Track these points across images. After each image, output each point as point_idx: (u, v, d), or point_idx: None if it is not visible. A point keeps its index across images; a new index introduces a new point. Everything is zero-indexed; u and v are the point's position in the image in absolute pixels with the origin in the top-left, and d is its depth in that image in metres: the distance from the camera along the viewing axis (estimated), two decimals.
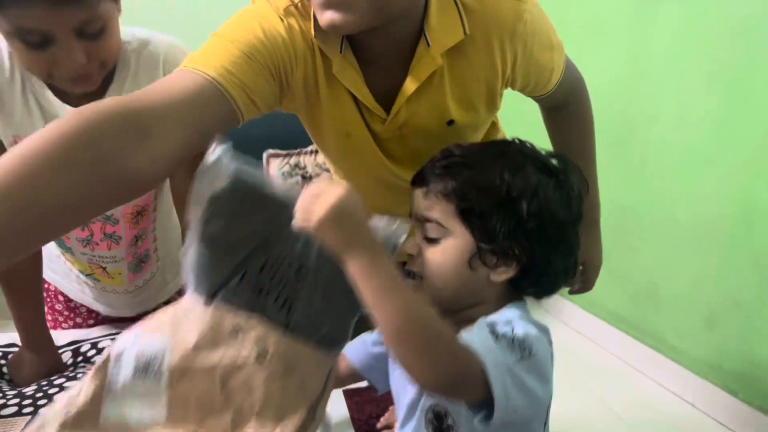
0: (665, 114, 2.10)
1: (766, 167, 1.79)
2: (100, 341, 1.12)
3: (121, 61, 0.94)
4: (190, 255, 0.65)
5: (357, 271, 0.60)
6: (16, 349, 1.09)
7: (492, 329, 0.64)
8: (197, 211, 0.63)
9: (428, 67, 0.80)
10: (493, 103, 0.89)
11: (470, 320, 0.69)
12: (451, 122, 0.87)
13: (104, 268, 1.14)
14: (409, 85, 0.80)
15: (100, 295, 1.20)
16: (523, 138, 0.77)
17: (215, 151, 0.60)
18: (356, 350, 0.87)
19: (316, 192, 0.61)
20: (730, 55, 1.85)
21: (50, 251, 1.16)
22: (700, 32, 1.94)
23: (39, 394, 0.95)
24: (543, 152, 0.76)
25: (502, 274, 0.71)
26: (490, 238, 0.69)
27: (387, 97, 0.82)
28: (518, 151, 0.75)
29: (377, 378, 0.86)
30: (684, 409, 2.06)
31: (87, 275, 1.16)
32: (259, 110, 0.75)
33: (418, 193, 0.74)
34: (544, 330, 0.71)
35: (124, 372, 0.62)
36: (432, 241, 0.72)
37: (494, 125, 1.08)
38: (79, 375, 1.01)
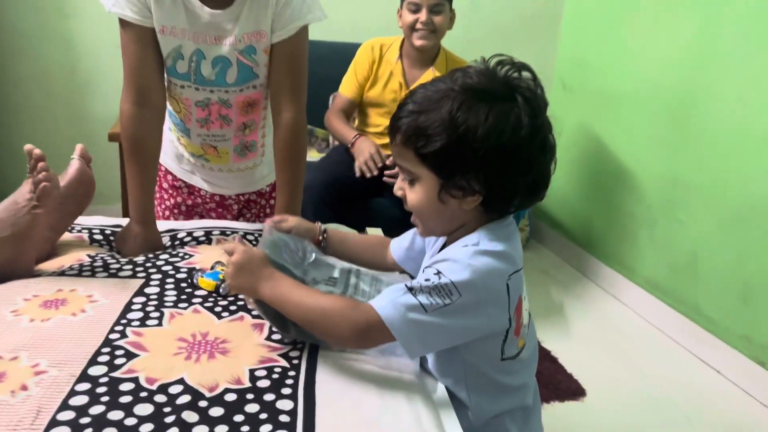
0: (728, 92, 2.14)
1: None
2: (194, 231, 1.28)
3: None
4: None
5: (268, 300, 0.85)
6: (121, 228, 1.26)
7: (409, 287, 0.79)
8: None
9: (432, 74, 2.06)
10: None
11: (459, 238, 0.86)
12: None
13: (215, 147, 1.33)
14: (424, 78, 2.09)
15: (206, 174, 1.40)
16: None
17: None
18: (396, 249, 1.06)
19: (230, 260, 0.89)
20: None
21: (165, 137, 1.34)
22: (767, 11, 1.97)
23: (149, 264, 1.11)
24: (490, 78, 0.81)
25: (471, 203, 0.82)
26: (449, 176, 0.81)
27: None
28: (462, 85, 0.80)
29: (411, 268, 1.05)
30: (711, 376, 2.15)
31: (198, 156, 1.35)
32: None
33: (390, 140, 0.86)
34: (502, 257, 0.81)
35: None
36: (410, 182, 0.86)
37: None
38: (180, 253, 1.17)
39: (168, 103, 1.27)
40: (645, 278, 2.54)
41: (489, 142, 0.77)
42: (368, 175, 2.01)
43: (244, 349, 0.89)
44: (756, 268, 2.04)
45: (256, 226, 1.36)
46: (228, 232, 1.29)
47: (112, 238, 1.24)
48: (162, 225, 1.30)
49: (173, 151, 1.39)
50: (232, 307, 0.99)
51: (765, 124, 1.99)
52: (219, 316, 0.97)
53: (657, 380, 2.11)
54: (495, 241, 0.82)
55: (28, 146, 1.00)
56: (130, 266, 1.10)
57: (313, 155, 2.66)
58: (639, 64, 2.54)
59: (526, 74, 0.83)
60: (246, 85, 1.24)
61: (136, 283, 1.04)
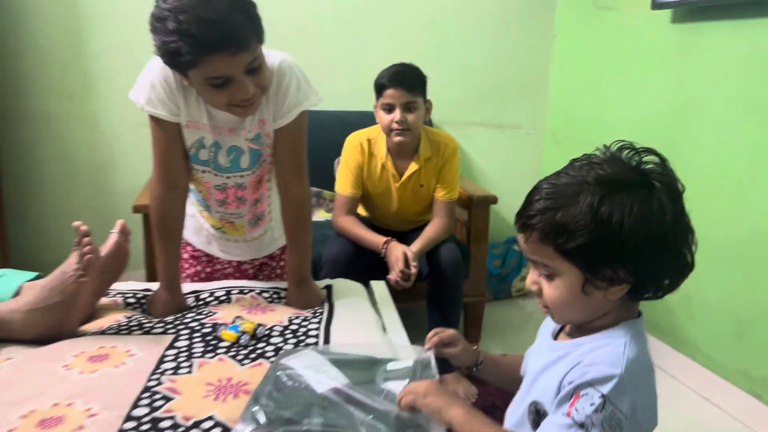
0: (704, 141, 2.29)
1: None
2: (215, 291, 1.43)
3: None
4: None
5: (458, 421, 0.86)
6: (150, 293, 1.41)
7: (579, 422, 0.77)
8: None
9: (418, 164, 2.20)
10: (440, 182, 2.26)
11: (597, 329, 0.87)
12: (421, 185, 2.24)
13: (232, 223, 1.51)
14: (411, 169, 2.21)
15: (223, 245, 1.56)
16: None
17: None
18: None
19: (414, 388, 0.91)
20: (766, 87, 2.04)
21: (186, 212, 1.49)
22: (739, 66, 2.14)
23: (177, 322, 1.26)
24: (620, 167, 0.81)
25: (617, 293, 0.82)
26: (595, 269, 0.80)
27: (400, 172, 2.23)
28: (596, 178, 0.80)
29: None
30: (712, 411, 2.22)
31: (217, 228, 1.53)
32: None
33: (521, 237, 0.86)
34: (650, 365, 0.85)
35: None
36: (548, 277, 0.85)
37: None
38: (204, 311, 1.31)
39: (191, 184, 1.43)
40: (645, 320, 2.63)
41: (637, 233, 0.77)
42: (400, 288, 2.00)
43: None
44: (747, 304, 2.14)
45: (271, 284, 1.51)
46: (245, 290, 1.43)
47: (143, 300, 1.39)
48: (186, 287, 1.45)
49: (193, 225, 1.56)
50: (252, 356, 1.13)
51: (741, 170, 2.14)
52: (241, 363, 1.11)
53: (659, 419, 2.18)
54: (640, 342, 0.84)
55: (76, 223, 1.15)
56: (162, 325, 1.25)
57: (322, 215, 2.82)
58: (621, 116, 2.71)
59: (650, 157, 0.83)
60: (256, 167, 1.41)
61: (168, 338, 1.19)
